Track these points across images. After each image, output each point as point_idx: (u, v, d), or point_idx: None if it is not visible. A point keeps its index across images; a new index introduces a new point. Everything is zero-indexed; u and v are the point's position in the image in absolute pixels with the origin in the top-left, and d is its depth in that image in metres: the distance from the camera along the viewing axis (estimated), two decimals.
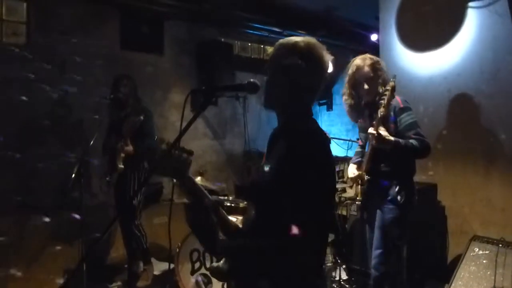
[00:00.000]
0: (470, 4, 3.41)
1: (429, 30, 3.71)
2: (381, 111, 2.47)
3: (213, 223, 1.37)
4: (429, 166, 2.91)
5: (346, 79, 2.80)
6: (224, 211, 1.42)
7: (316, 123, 1.44)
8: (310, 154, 1.29)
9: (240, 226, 1.45)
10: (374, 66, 2.68)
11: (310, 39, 1.45)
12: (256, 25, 5.23)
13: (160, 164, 1.40)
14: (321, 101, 6.87)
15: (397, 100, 2.63)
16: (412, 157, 2.72)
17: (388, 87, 2.48)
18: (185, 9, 4.71)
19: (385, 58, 4.01)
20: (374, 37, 5.30)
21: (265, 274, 1.29)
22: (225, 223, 1.41)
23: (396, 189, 2.65)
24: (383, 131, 2.49)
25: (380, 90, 2.61)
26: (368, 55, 2.75)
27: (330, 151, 1.39)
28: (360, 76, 2.68)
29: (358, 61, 2.71)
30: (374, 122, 2.51)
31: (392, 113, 2.60)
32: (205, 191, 1.42)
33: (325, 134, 1.41)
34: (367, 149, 2.74)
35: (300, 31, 5.13)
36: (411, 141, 2.53)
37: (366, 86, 2.67)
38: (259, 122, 6.03)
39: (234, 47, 5.81)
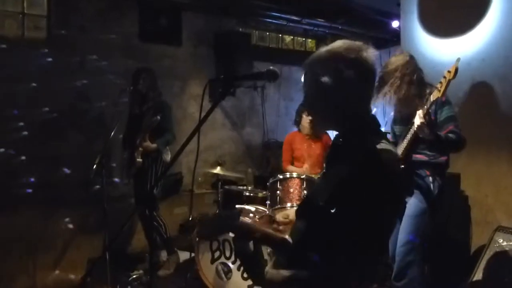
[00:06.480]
0: None
1: (452, 16, 3.60)
2: (435, 95, 2.42)
3: (261, 254, 1.33)
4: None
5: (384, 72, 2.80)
6: (267, 230, 1.36)
7: (384, 137, 1.33)
8: (377, 176, 1.20)
9: (286, 237, 1.35)
10: (406, 62, 2.66)
11: (352, 44, 1.32)
12: (274, 14, 5.17)
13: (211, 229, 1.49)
14: None
15: None
16: (448, 151, 2.72)
17: (450, 69, 2.38)
18: (202, 0, 4.70)
19: (406, 45, 3.94)
20: (395, 23, 5.18)
21: None
22: (271, 240, 1.35)
23: (431, 179, 2.67)
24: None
25: (414, 84, 2.60)
26: (403, 51, 2.83)
27: (398, 173, 1.29)
28: (390, 71, 2.69)
29: (392, 58, 2.75)
30: (425, 106, 2.46)
31: (433, 106, 2.56)
32: (252, 224, 1.38)
33: (394, 153, 1.30)
34: (401, 140, 2.72)
35: (319, 19, 5.05)
36: (449, 134, 2.55)
37: (394, 80, 2.65)
38: (278, 113, 6.01)
39: (252, 36, 5.78)
